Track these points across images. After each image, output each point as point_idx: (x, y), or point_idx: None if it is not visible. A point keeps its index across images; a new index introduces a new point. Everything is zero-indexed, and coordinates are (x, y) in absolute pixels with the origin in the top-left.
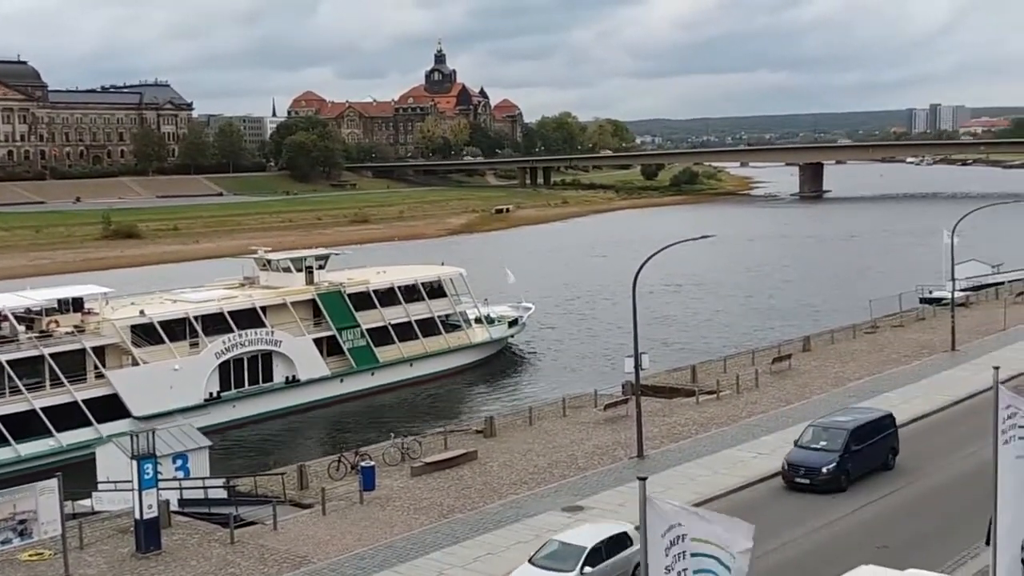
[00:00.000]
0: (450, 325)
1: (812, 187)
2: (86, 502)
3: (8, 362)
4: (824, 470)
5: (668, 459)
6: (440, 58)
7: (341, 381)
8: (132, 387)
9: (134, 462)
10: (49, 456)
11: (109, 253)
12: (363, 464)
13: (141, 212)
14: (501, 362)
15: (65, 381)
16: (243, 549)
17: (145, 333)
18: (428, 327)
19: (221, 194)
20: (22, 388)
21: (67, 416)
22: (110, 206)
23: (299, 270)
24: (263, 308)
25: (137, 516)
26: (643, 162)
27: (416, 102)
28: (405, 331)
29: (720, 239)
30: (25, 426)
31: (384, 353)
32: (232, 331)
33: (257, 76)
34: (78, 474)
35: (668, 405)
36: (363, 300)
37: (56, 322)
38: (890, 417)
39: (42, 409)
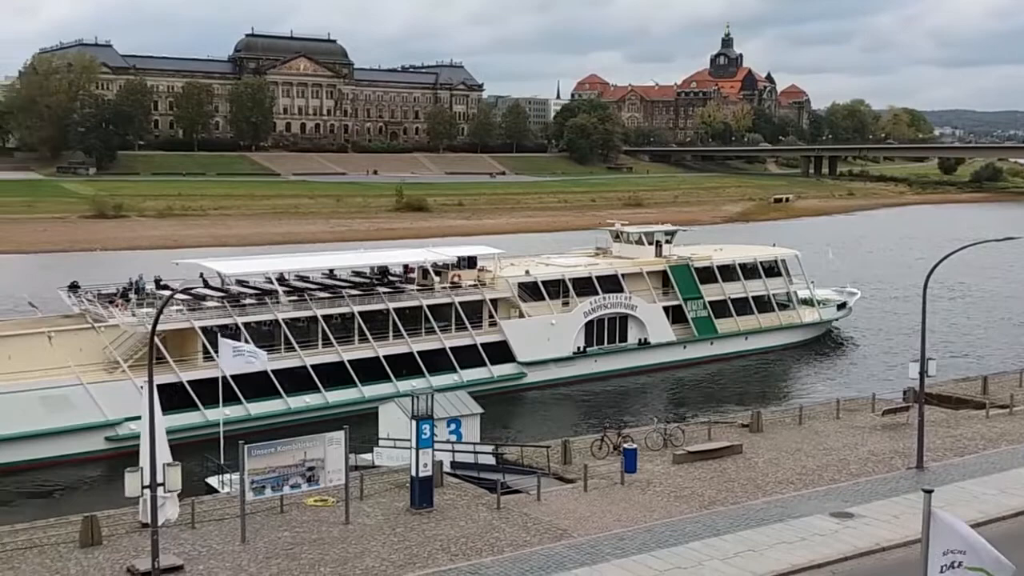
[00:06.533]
0: (780, 304)
1: None
2: (367, 456)
3: (428, 307)
4: None
5: (951, 473)
6: (727, 42)
7: (684, 347)
8: (518, 336)
9: (413, 422)
10: (453, 390)
11: (399, 224)
12: (626, 446)
13: (431, 187)
14: (825, 344)
15: (468, 326)
16: (508, 515)
17: (529, 290)
18: (762, 304)
19: (504, 173)
20: (436, 329)
21: (467, 356)
22: (403, 180)
23: (649, 243)
24: (622, 275)
25: (413, 473)
26: (941, 155)
27: (699, 86)
28: (742, 306)
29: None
30: (436, 363)
31: (722, 325)
32: (597, 293)
33: (545, 60)
34: (364, 428)
35: (953, 416)
36: (706, 274)
37: (459, 276)
38: None
39: (450, 348)
